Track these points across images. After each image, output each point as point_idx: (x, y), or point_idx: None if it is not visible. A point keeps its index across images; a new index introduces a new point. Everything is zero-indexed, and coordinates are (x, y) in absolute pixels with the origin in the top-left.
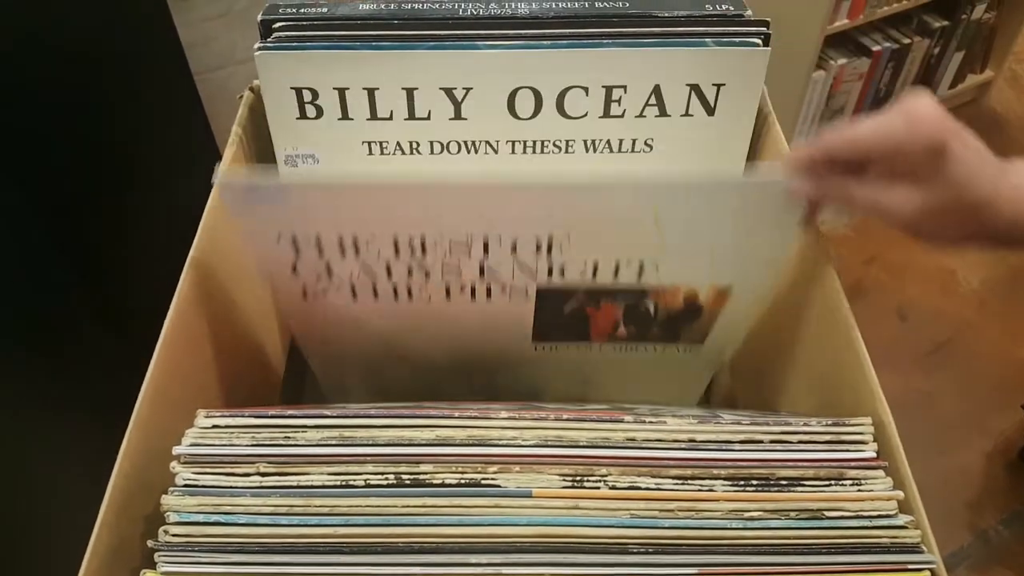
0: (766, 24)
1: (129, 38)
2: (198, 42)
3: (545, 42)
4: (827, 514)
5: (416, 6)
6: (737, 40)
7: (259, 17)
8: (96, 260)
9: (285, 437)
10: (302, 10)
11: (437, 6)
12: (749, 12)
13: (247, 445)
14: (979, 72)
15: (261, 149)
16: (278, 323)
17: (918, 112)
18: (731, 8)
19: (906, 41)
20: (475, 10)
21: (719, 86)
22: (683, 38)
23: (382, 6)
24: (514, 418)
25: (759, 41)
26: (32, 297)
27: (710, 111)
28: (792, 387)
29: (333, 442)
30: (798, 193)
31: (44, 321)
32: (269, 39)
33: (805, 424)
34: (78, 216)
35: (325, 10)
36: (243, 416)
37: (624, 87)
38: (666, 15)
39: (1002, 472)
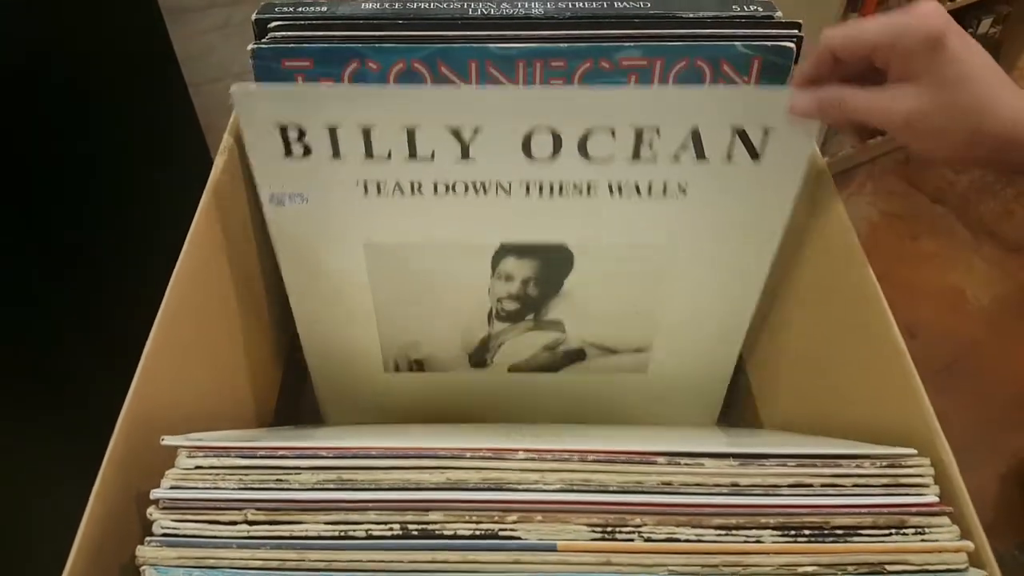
0: (798, 26)
1: (124, 51)
2: (195, 55)
3: (562, 45)
4: (889, 568)
5: (422, 5)
6: (769, 44)
7: (253, 16)
8: (87, 271)
9: (276, 480)
10: (299, 9)
11: (445, 5)
12: (779, 13)
13: (234, 489)
14: None
15: None
16: (273, 345)
17: (921, 7)
18: (760, 9)
19: None
20: (486, 10)
21: (767, 130)
22: (709, 40)
23: (386, 5)
24: (534, 458)
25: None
26: (19, 309)
27: (755, 156)
28: (833, 416)
29: (330, 486)
30: (798, 109)
31: (31, 336)
32: (264, 39)
33: (858, 466)
34: (69, 228)
35: (324, 9)
36: (229, 456)
37: (657, 129)
38: (691, 16)
39: (1017, 494)
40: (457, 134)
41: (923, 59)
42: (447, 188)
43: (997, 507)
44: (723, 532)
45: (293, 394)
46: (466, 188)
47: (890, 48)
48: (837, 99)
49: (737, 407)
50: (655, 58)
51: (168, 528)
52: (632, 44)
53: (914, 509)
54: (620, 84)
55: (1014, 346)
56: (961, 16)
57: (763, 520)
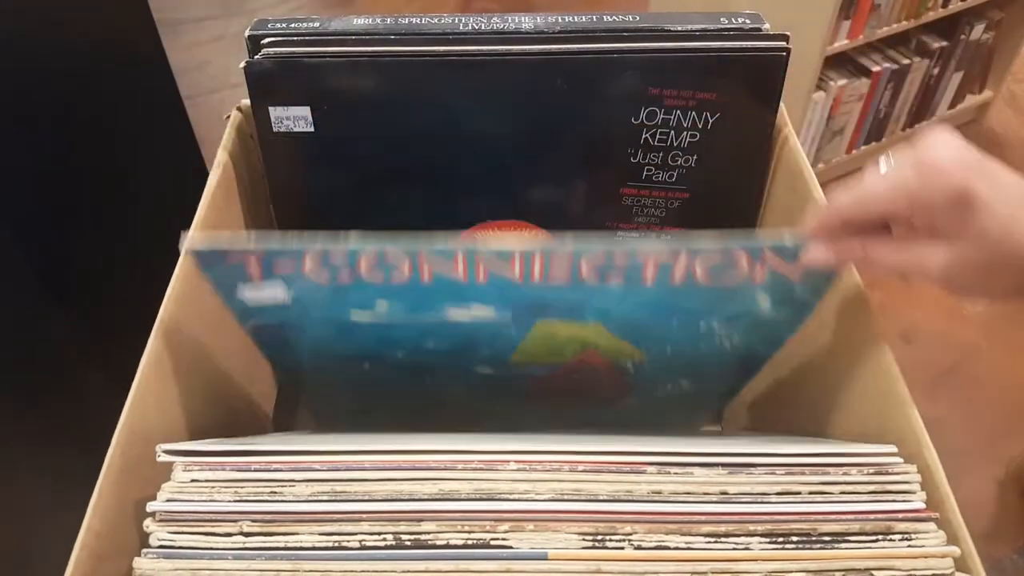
0: (786, 38)
1: (118, 63)
2: (191, 66)
3: (553, 59)
4: (876, 574)
5: (414, 21)
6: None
7: (247, 32)
8: (81, 287)
9: (271, 492)
10: (292, 25)
11: (436, 21)
12: (767, 25)
13: (229, 501)
14: (978, 92)
15: (249, 171)
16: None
17: (931, 160)
18: (747, 22)
19: (905, 62)
20: (477, 25)
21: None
22: (699, 53)
23: (378, 21)
24: (525, 468)
25: None
26: (14, 324)
27: None
28: (821, 423)
29: (324, 498)
30: (815, 261)
31: (28, 348)
32: (257, 55)
33: (845, 473)
34: (63, 241)
35: (317, 25)
36: (224, 470)
37: None
38: (679, 29)
39: (1015, 500)
40: None
41: (952, 219)
42: None
43: (996, 512)
44: (712, 540)
45: (289, 405)
46: None
47: (907, 211)
48: (858, 253)
49: (729, 411)
50: None
51: (165, 540)
52: (619, 57)
53: (901, 515)
54: None
55: (1011, 351)
56: (954, 22)
57: (751, 527)
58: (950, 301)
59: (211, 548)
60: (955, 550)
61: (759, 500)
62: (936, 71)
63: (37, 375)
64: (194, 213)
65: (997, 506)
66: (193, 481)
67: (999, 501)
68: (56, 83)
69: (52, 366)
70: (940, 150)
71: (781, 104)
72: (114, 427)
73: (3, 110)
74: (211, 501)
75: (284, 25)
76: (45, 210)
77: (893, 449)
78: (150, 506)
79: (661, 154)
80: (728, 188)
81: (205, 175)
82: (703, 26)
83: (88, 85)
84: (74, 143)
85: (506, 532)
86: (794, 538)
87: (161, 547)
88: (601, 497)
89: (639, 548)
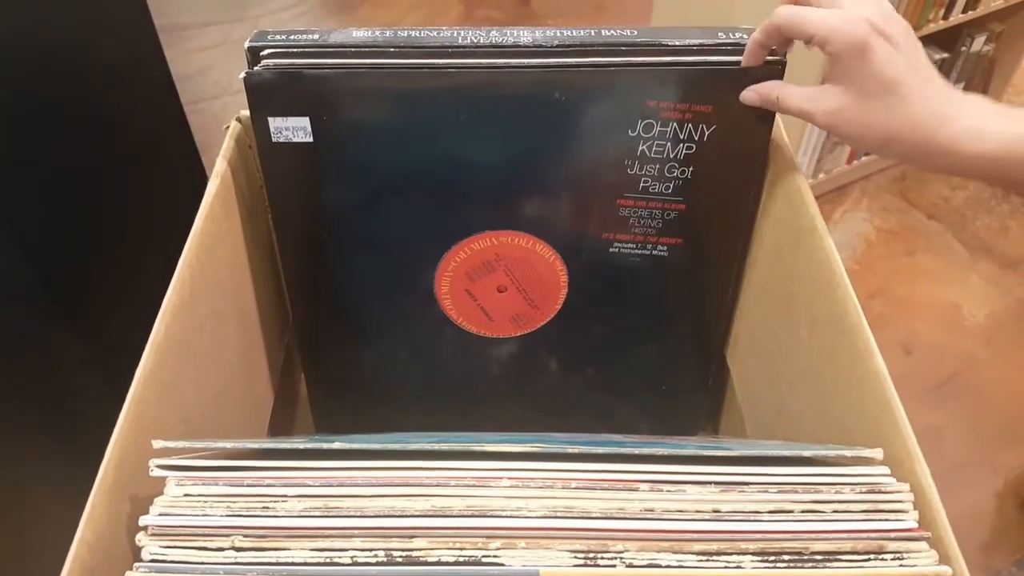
0: (782, 52)
1: (117, 71)
2: (193, 72)
3: (551, 72)
4: None
5: (413, 34)
6: (752, 70)
7: (246, 44)
8: (80, 292)
9: (263, 507)
10: (292, 37)
11: (435, 34)
12: None
13: (222, 515)
14: None
15: (248, 181)
16: (267, 365)
17: (850, 13)
18: (744, 36)
19: None
20: (475, 38)
21: None
22: (695, 66)
23: (377, 33)
24: (518, 485)
25: None
26: (13, 329)
27: None
28: (814, 438)
29: (316, 513)
30: (743, 98)
31: (26, 357)
32: (257, 67)
33: (838, 492)
34: (63, 248)
35: (316, 37)
36: (217, 484)
37: None
38: (677, 43)
39: (1014, 512)
40: None
41: (848, 65)
42: None
43: (995, 526)
44: (704, 558)
45: (287, 411)
46: None
47: (823, 45)
48: (774, 95)
49: (725, 419)
50: None
51: (157, 554)
52: (616, 68)
53: (893, 534)
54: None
55: (1011, 362)
56: (955, 34)
57: (743, 546)
58: (950, 312)
59: (203, 563)
60: (947, 570)
61: (751, 518)
62: None
63: (35, 380)
64: (191, 219)
65: (996, 517)
66: (186, 495)
67: (998, 512)
68: (55, 89)
69: (51, 371)
70: (858, 9)
71: (777, 116)
72: (111, 432)
73: (3, 115)
74: (203, 515)
75: (283, 37)
76: (45, 215)
77: (886, 470)
78: (142, 520)
79: (657, 166)
80: (724, 199)
81: (205, 182)
82: (700, 41)
83: (88, 91)
84: (74, 149)
85: (498, 549)
86: (786, 557)
87: (153, 561)
88: (593, 514)
89: (631, 566)
